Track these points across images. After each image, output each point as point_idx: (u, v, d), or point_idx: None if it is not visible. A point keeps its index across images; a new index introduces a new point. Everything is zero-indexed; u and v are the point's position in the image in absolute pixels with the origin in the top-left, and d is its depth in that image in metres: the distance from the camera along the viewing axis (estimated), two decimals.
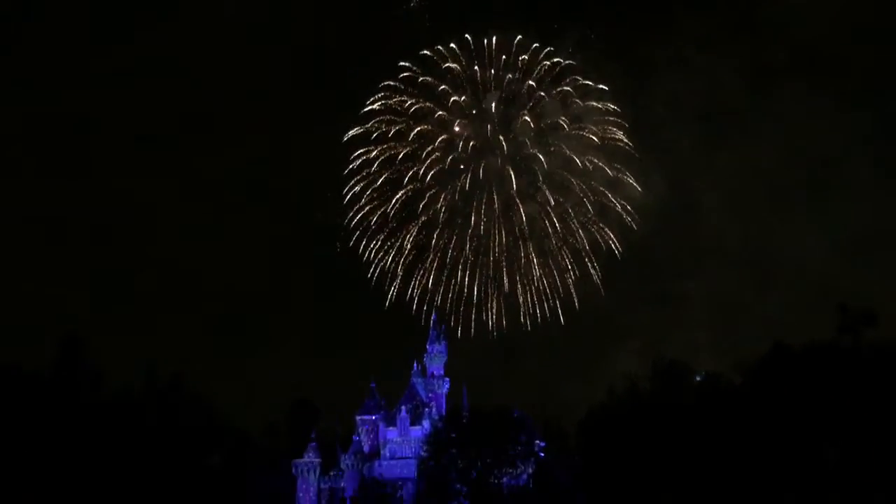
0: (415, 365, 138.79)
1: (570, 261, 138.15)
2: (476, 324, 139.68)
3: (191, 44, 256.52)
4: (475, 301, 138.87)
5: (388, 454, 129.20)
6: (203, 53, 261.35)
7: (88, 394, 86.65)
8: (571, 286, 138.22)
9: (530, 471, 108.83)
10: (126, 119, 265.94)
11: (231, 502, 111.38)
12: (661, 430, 76.02)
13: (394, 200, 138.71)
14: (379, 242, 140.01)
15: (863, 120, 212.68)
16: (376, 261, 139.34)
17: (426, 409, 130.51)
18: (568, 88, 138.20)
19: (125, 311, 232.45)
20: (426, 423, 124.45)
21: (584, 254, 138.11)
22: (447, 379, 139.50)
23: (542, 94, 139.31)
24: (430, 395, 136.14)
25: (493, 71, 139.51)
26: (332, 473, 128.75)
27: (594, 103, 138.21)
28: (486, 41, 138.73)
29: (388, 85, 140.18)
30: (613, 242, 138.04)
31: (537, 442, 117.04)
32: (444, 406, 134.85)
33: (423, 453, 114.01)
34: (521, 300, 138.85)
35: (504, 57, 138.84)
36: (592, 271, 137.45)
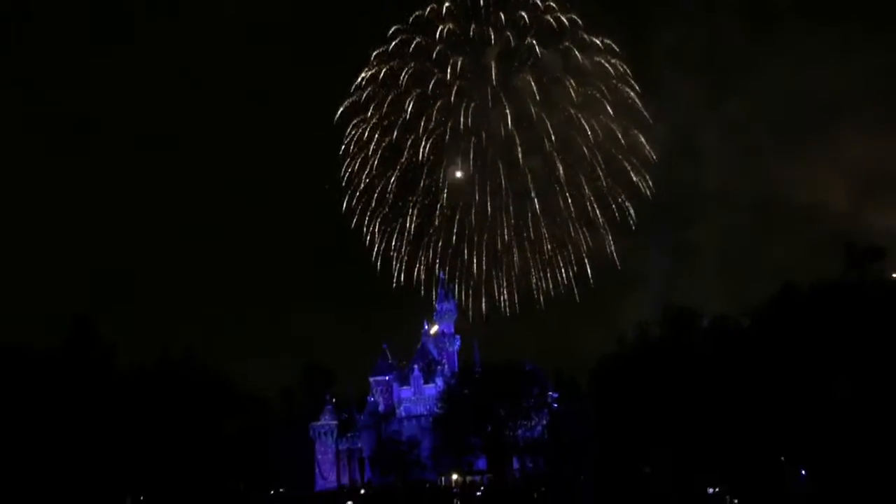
0: (425, 324, 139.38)
1: (577, 225, 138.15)
2: (486, 296, 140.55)
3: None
4: (483, 276, 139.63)
5: (402, 413, 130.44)
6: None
7: (103, 368, 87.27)
8: (583, 248, 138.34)
9: (544, 422, 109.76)
10: (126, 118, 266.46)
11: (251, 467, 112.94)
12: (672, 375, 76.39)
13: (393, 173, 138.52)
14: (380, 218, 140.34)
15: (868, 60, 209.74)
16: (380, 239, 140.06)
17: (438, 367, 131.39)
18: (568, 44, 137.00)
19: (133, 291, 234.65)
20: (439, 381, 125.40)
21: (592, 210, 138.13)
22: (458, 336, 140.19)
23: (543, 50, 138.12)
24: (441, 353, 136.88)
25: (490, 29, 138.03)
26: (349, 434, 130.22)
27: (596, 58, 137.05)
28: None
29: (382, 52, 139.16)
30: (621, 197, 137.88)
31: (550, 393, 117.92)
32: (456, 363, 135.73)
33: (437, 410, 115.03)
34: (532, 268, 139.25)
35: (502, 14, 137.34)
36: (602, 231, 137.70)
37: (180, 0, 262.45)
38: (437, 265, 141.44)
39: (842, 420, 65.87)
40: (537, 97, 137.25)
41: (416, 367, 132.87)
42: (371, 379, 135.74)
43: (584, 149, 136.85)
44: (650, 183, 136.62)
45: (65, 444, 75.10)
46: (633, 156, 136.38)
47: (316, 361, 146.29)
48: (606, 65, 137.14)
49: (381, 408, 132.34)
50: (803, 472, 75.13)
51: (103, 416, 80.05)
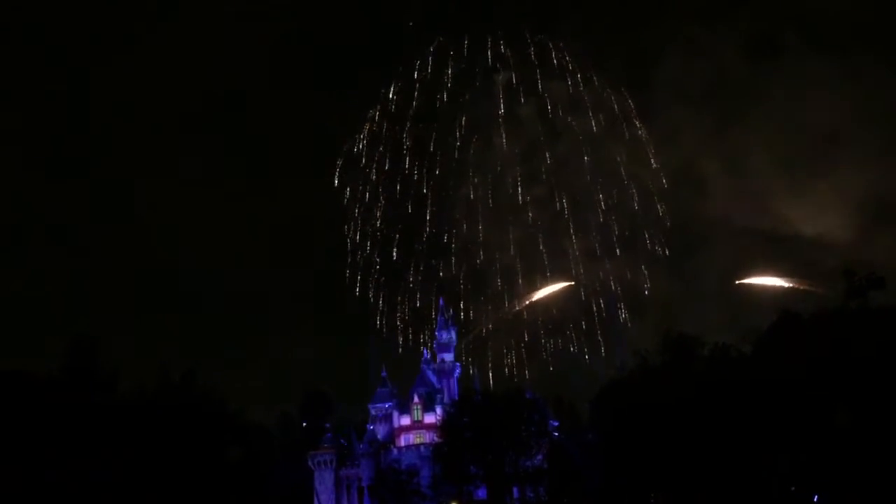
0: (425, 352, 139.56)
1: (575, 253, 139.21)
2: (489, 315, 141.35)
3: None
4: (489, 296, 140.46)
5: (402, 441, 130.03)
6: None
7: (103, 394, 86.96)
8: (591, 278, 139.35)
9: (544, 451, 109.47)
10: (130, 120, 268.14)
11: (250, 496, 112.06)
12: (673, 402, 76.31)
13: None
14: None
15: (869, 89, 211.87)
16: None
17: (438, 395, 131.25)
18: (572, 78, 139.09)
19: (128, 315, 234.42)
20: (439, 409, 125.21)
21: (596, 239, 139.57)
22: (458, 364, 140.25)
23: (548, 86, 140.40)
24: (441, 381, 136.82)
25: (499, 65, 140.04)
26: (348, 463, 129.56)
27: (599, 90, 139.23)
28: (489, 40, 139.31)
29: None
30: (625, 226, 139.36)
31: (550, 422, 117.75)
32: (455, 391, 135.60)
33: (437, 439, 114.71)
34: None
35: (509, 52, 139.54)
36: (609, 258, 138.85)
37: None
38: (438, 296, 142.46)
39: (845, 449, 65.78)
40: (541, 131, 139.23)
41: (415, 395, 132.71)
42: (370, 407, 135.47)
43: (588, 180, 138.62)
44: (657, 211, 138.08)
45: (65, 470, 74.65)
46: (637, 186, 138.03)
47: (315, 388, 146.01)
48: (609, 96, 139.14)
49: (380, 436, 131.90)
50: (815, 498, 75.08)
51: (103, 442, 79.66)
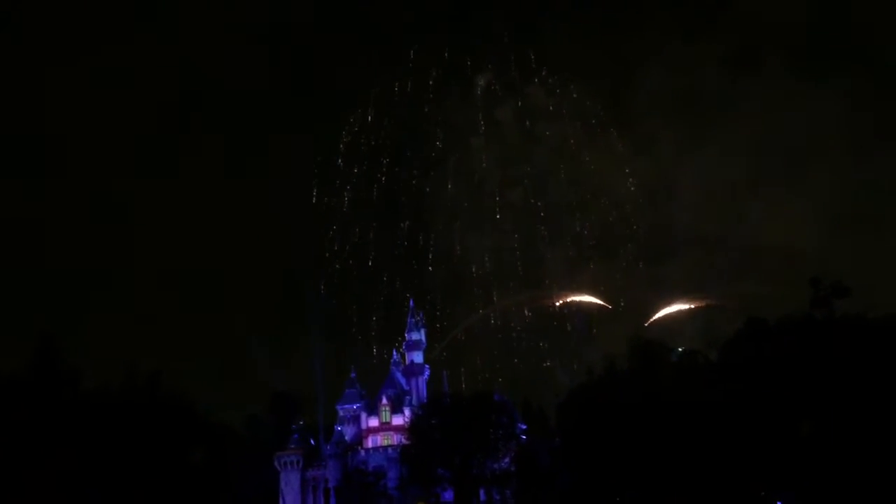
0: (394, 354, 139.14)
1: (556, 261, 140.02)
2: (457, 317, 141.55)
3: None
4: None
5: (370, 443, 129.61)
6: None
7: (67, 393, 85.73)
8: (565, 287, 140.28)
9: (512, 453, 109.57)
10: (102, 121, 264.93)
11: (216, 497, 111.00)
12: (638, 407, 76.87)
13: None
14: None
15: (838, 101, 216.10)
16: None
17: (406, 397, 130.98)
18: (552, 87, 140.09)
19: (95, 314, 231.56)
20: (407, 411, 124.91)
21: (572, 247, 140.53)
22: (427, 366, 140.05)
23: (525, 89, 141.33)
24: (410, 383, 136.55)
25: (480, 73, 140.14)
26: (314, 464, 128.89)
27: (577, 100, 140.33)
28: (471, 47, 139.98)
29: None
30: (595, 233, 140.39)
31: (519, 425, 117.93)
32: (424, 393, 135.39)
33: (404, 441, 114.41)
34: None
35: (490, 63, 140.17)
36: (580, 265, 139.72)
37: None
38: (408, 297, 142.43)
39: (808, 456, 66.63)
40: (520, 139, 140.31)
41: (384, 396, 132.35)
42: (338, 408, 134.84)
43: (565, 190, 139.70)
44: (626, 219, 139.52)
45: (27, 469, 73.58)
46: (612, 195, 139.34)
47: (283, 389, 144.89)
48: (588, 106, 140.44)
49: (348, 437, 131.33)
50: None
51: (67, 442, 78.62)
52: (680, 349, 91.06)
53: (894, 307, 72.84)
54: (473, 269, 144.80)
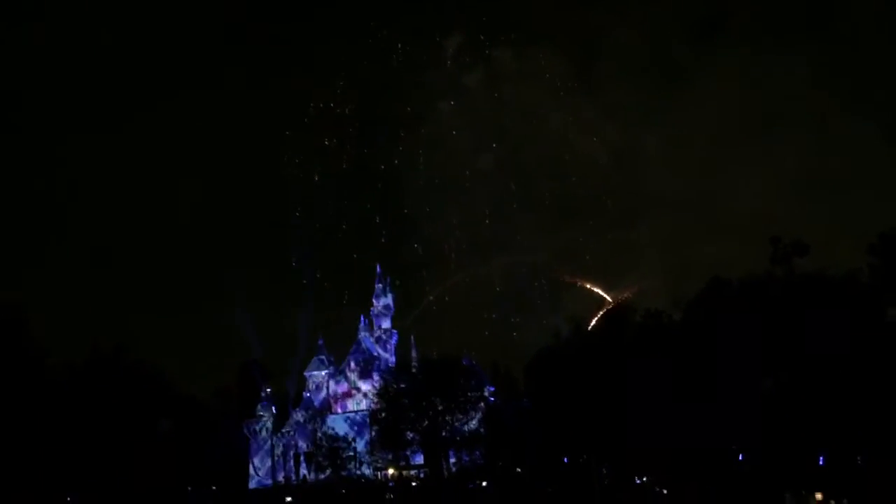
0: (362, 319, 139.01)
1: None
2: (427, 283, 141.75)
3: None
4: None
5: (339, 409, 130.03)
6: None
7: (34, 367, 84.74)
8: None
9: (481, 416, 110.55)
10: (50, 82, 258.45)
11: (185, 466, 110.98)
12: (603, 367, 77.80)
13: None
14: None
15: (801, 69, 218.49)
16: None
17: (375, 363, 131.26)
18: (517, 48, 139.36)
19: (60, 289, 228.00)
20: (376, 376, 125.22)
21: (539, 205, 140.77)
22: (395, 332, 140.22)
23: (494, 53, 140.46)
24: (378, 348, 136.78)
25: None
26: (284, 431, 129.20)
27: (543, 62, 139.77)
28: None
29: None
30: (565, 193, 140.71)
31: (487, 387, 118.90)
32: (393, 359, 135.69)
33: (374, 406, 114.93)
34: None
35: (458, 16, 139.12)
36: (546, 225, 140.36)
37: None
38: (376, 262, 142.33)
39: (769, 410, 67.95)
40: (488, 98, 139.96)
41: (352, 362, 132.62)
42: (307, 374, 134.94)
43: (533, 147, 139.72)
44: (594, 182, 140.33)
45: None
46: (579, 157, 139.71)
47: (252, 359, 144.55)
48: (557, 68, 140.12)
49: (317, 403, 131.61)
50: (741, 457, 77.45)
51: (36, 415, 78.04)
52: (645, 309, 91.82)
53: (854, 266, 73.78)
54: (443, 236, 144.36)
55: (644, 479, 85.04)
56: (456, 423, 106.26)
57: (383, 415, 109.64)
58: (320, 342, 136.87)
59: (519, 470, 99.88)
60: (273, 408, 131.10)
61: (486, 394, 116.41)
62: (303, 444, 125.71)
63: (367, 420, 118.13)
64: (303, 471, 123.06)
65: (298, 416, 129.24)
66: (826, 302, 67.67)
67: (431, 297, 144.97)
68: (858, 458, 68.79)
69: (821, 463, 70.42)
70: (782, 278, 76.24)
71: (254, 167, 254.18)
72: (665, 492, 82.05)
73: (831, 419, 65.57)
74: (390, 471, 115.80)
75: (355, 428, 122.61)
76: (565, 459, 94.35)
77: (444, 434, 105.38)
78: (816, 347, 65.71)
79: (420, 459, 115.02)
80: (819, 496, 68.92)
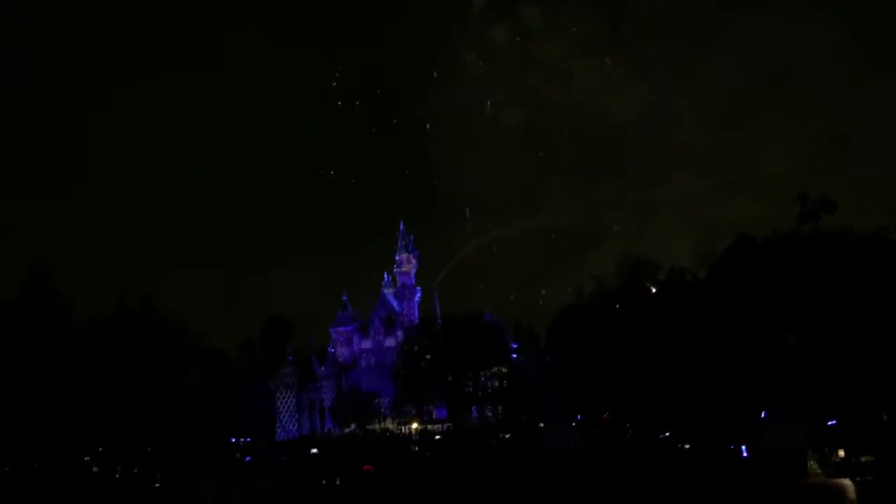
0: (385, 276, 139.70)
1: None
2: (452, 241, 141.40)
3: None
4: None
5: (363, 364, 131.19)
6: None
7: (60, 320, 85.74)
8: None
9: (503, 372, 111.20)
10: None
11: (212, 420, 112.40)
12: (626, 324, 77.53)
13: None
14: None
15: (832, 27, 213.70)
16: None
17: (398, 319, 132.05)
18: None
19: (87, 244, 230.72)
20: (399, 332, 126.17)
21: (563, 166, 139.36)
22: (418, 288, 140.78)
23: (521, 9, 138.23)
24: (401, 304, 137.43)
25: None
26: (309, 386, 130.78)
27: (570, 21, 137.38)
28: None
29: None
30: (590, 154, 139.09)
31: (510, 345, 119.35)
32: (416, 315, 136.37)
33: (397, 361, 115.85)
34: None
35: None
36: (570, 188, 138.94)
37: None
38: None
39: (793, 369, 67.42)
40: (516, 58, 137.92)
41: (376, 318, 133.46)
42: (331, 330, 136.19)
43: (558, 109, 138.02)
44: (619, 143, 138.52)
45: (21, 397, 74.14)
46: (604, 117, 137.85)
47: (275, 314, 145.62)
48: (581, 25, 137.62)
49: (341, 359, 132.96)
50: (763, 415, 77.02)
51: (61, 368, 78.97)
52: (669, 267, 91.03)
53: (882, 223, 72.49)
54: (469, 195, 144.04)
55: (667, 434, 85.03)
56: (478, 379, 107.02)
57: (406, 370, 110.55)
58: (344, 298, 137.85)
59: (542, 425, 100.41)
60: (298, 364, 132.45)
61: (509, 351, 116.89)
62: (328, 399, 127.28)
63: (391, 375, 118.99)
64: (328, 425, 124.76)
65: (323, 371, 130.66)
66: (854, 258, 66.76)
67: (458, 257, 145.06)
68: (884, 415, 68.27)
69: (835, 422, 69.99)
70: (809, 235, 75.17)
71: (282, 130, 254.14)
72: (687, 447, 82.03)
73: (856, 376, 65.01)
74: (414, 425, 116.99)
75: (379, 383, 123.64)
76: (585, 415, 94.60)
77: (466, 389, 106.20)
78: (842, 304, 64.96)
79: (443, 414, 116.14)
80: (841, 453, 68.58)
